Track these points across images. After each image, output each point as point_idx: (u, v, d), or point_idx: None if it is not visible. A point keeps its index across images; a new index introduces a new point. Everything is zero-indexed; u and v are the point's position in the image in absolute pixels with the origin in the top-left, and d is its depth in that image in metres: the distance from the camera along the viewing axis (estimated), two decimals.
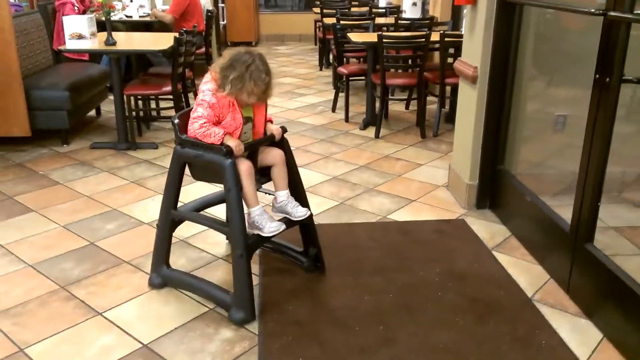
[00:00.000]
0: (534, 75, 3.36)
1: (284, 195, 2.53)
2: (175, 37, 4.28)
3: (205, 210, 2.77)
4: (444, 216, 3.38)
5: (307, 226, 2.66)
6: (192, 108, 2.40)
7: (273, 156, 2.52)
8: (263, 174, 2.55)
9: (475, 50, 3.29)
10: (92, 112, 5.43)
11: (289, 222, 2.52)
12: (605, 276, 2.25)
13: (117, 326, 2.31)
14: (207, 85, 2.35)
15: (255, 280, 2.67)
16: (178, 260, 2.81)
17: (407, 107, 5.90)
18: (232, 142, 2.30)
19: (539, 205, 2.85)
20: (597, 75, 2.27)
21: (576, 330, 2.32)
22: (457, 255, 2.90)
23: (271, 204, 2.60)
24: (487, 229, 3.22)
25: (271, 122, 2.59)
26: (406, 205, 3.53)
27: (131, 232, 3.12)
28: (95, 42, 4.35)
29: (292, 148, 2.59)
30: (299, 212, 2.52)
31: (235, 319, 2.33)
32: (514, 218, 3.17)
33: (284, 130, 2.56)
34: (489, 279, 2.68)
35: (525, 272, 2.76)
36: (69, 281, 2.63)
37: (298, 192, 2.60)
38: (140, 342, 2.21)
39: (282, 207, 2.54)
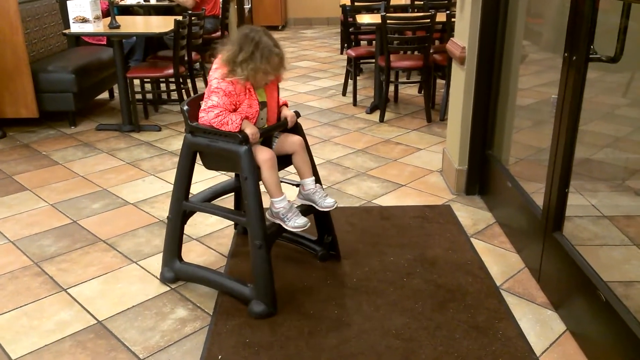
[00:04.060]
0: (526, 54, 3.21)
1: (311, 183, 2.43)
2: (175, 20, 4.31)
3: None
4: (431, 201, 3.30)
5: (324, 214, 2.55)
6: (202, 94, 2.30)
7: (292, 143, 2.40)
8: (280, 162, 2.36)
9: (464, 29, 3.17)
10: (106, 95, 5.56)
11: (309, 210, 2.43)
12: (571, 267, 2.15)
13: (78, 302, 2.36)
14: (217, 72, 2.23)
15: (224, 261, 2.69)
16: (153, 240, 2.85)
17: (419, 91, 5.77)
18: (249, 129, 2.19)
19: (518, 191, 2.74)
20: (566, 54, 2.15)
21: (539, 322, 2.22)
22: (433, 241, 2.83)
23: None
24: (472, 215, 3.12)
25: (286, 105, 2.47)
26: (394, 190, 3.46)
27: (114, 212, 3.18)
28: (99, 26, 4.42)
29: None
30: (326, 203, 2.41)
31: (256, 312, 2.23)
32: (499, 205, 3.06)
33: (297, 115, 2.45)
34: (460, 266, 2.60)
35: (500, 260, 2.67)
36: (43, 257, 2.70)
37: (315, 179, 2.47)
38: (96, 318, 2.26)
39: (308, 195, 2.43)
